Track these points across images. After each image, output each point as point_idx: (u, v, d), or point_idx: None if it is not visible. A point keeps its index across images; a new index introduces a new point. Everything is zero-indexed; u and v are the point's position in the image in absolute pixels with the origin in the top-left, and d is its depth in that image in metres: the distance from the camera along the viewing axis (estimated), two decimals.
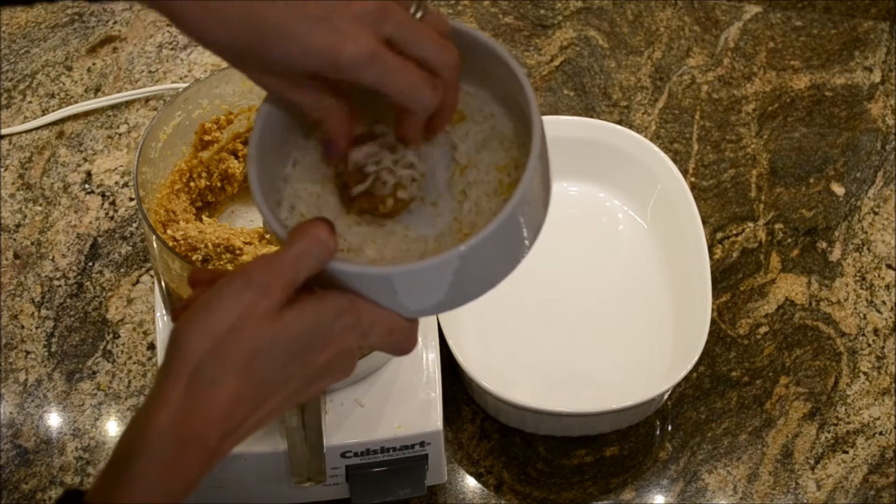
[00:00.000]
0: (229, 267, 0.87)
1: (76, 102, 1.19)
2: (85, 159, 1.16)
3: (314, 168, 0.69)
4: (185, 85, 1.02)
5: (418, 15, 0.65)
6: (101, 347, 1.05)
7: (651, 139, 1.18)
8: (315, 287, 0.64)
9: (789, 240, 1.13)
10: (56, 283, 1.08)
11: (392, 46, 0.63)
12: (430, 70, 0.64)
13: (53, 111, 1.18)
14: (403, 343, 0.68)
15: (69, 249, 1.10)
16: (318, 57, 0.62)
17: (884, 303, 1.10)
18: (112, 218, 1.12)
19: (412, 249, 0.67)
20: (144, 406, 0.62)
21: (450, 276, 0.65)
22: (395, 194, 0.67)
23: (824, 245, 1.13)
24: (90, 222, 1.12)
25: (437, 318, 0.97)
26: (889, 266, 1.12)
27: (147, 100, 1.20)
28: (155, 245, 0.85)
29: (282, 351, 0.62)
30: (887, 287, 1.10)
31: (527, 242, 0.68)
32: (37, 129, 1.18)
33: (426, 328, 0.94)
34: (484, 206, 0.67)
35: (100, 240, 1.11)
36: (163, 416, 0.60)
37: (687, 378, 1.05)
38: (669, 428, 1.03)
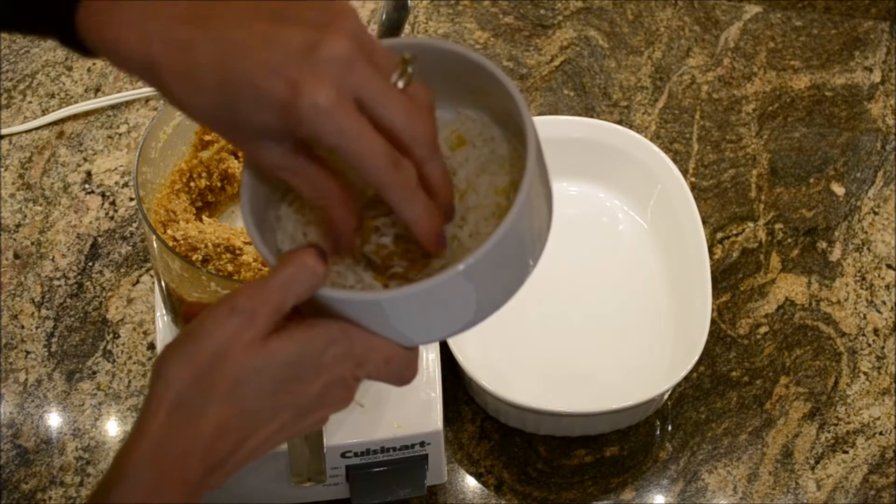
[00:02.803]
0: (229, 267, 0.87)
1: (76, 102, 1.19)
2: (85, 159, 1.16)
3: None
4: None
5: (399, 84, 0.60)
6: (101, 347, 1.05)
7: (651, 139, 1.18)
8: (306, 315, 0.63)
9: (789, 240, 1.13)
10: (56, 283, 1.08)
11: (361, 108, 0.58)
12: (400, 144, 0.59)
13: (53, 111, 1.18)
14: (402, 372, 0.65)
15: (69, 249, 1.10)
16: (275, 110, 0.58)
17: (884, 303, 1.10)
18: (112, 218, 1.12)
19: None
20: (128, 436, 0.60)
21: (443, 302, 0.62)
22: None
23: (824, 245, 1.13)
24: (90, 222, 1.12)
25: None
26: (889, 266, 1.12)
27: (147, 100, 1.20)
28: (155, 245, 0.85)
29: (268, 380, 0.60)
30: (887, 287, 1.10)
31: (530, 262, 0.65)
32: (37, 129, 1.18)
33: None
34: (483, 230, 0.65)
35: (100, 240, 1.11)
36: (141, 447, 0.59)
37: (687, 378, 1.05)
38: (669, 428, 1.03)
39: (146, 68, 0.60)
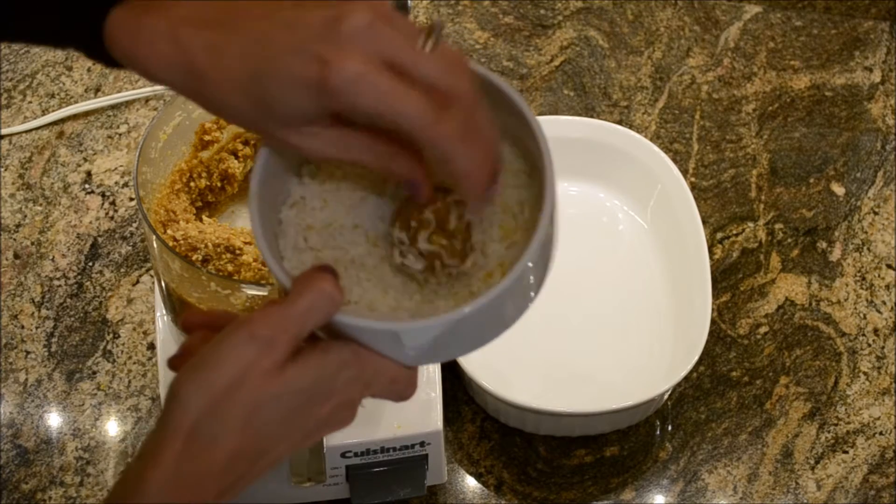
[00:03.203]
0: (229, 267, 0.87)
1: (76, 102, 1.19)
2: (85, 159, 1.16)
3: (315, 206, 0.67)
4: None
5: (427, 47, 0.59)
6: (101, 347, 1.05)
7: (651, 139, 1.18)
8: (318, 334, 0.63)
9: (789, 240, 1.13)
10: (56, 283, 1.08)
11: (393, 71, 0.58)
12: (439, 99, 0.58)
13: (53, 111, 1.18)
14: (403, 391, 0.66)
15: (69, 249, 1.10)
16: (308, 90, 0.58)
17: (884, 303, 1.10)
18: (112, 218, 1.12)
19: (416, 293, 0.66)
20: (140, 458, 0.60)
21: (457, 332, 0.63)
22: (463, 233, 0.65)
23: (824, 245, 1.13)
24: (90, 222, 1.12)
25: None
26: (889, 266, 1.12)
27: (147, 100, 1.20)
28: (155, 245, 0.85)
29: (283, 406, 0.61)
30: (887, 287, 1.10)
31: (532, 293, 0.66)
32: (37, 129, 1.18)
33: None
34: (489, 251, 0.65)
35: (100, 240, 1.11)
36: (159, 473, 0.59)
37: (687, 378, 1.04)
38: (669, 428, 1.03)
39: (187, 75, 0.61)
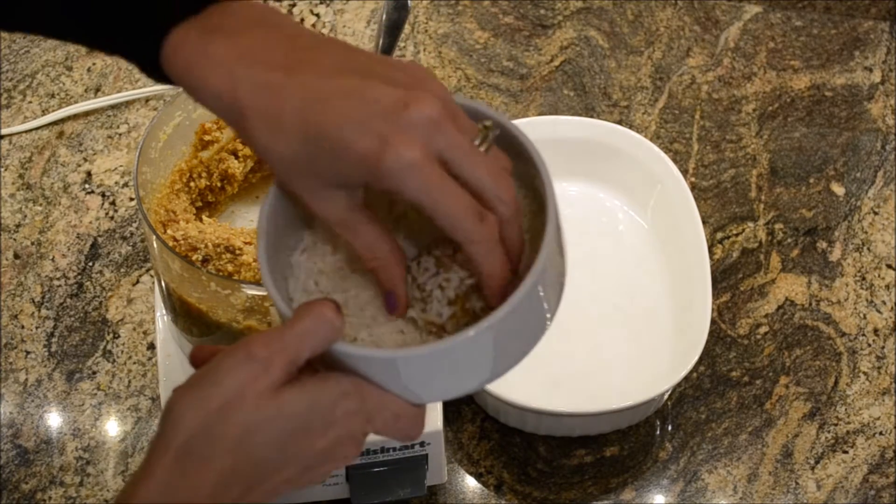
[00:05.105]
0: (229, 267, 0.87)
1: (76, 102, 1.19)
2: (85, 159, 1.16)
3: (326, 251, 0.68)
4: None
5: (482, 147, 0.61)
6: (101, 347, 1.05)
7: (651, 139, 1.18)
8: (319, 367, 0.63)
9: (789, 240, 1.13)
10: (56, 283, 1.08)
11: (445, 167, 0.60)
12: (483, 202, 0.60)
13: (53, 111, 1.18)
14: (409, 430, 0.65)
15: (69, 249, 1.10)
16: (360, 163, 0.59)
17: (884, 303, 1.10)
18: (112, 218, 1.12)
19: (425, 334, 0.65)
20: (133, 477, 0.60)
21: (456, 363, 0.63)
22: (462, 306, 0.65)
23: (824, 245, 1.13)
24: (90, 222, 1.12)
25: None
26: (889, 266, 1.12)
27: (147, 100, 1.20)
28: (155, 245, 0.85)
29: (278, 430, 0.60)
30: (887, 287, 1.10)
31: (546, 322, 0.66)
32: (37, 129, 1.18)
33: None
34: None
35: (100, 240, 1.11)
36: (151, 487, 0.59)
37: (687, 378, 1.05)
38: (669, 428, 1.03)
39: (231, 109, 0.61)
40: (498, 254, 0.61)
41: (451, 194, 0.59)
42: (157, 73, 0.63)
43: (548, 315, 0.66)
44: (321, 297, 0.64)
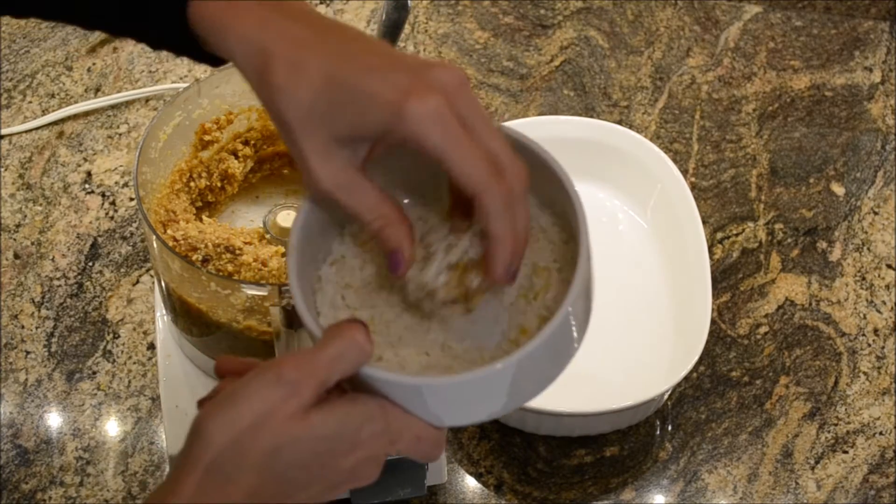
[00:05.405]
0: (229, 267, 0.87)
1: (76, 102, 1.19)
2: (85, 159, 1.16)
3: (355, 266, 0.68)
4: (185, 85, 1.02)
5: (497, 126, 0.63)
6: (101, 347, 1.05)
7: (651, 139, 1.18)
8: (346, 387, 0.63)
9: (789, 240, 1.13)
10: (56, 283, 1.08)
11: (466, 128, 0.61)
12: (499, 165, 0.61)
13: (53, 111, 1.18)
14: (430, 451, 0.66)
15: (69, 249, 1.10)
16: (382, 108, 0.60)
17: (884, 303, 1.10)
18: (112, 218, 1.12)
19: (456, 356, 0.66)
20: (161, 488, 0.61)
21: (480, 393, 0.63)
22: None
23: (824, 245, 1.13)
24: (90, 222, 1.12)
25: None
26: (889, 266, 1.12)
27: (147, 100, 1.20)
28: (155, 245, 0.85)
29: (304, 451, 0.61)
30: (887, 287, 1.10)
31: (576, 346, 0.66)
32: (37, 129, 1.18)
33: None
34: (522, 306, 0.66)
35: (100, 240, 1.11)
36: (178, 502, 0.59)
37: (687, 378, 1.05)
38: (669, 428, 1.03)
39: (257, 52, 0.62)
40: (509, 217, 0.61)
41: (472, 146, 0.60)
42: (174, 34, 0.65)
43: (576, 345, 0.66)
44: (350, 318, 0.64)
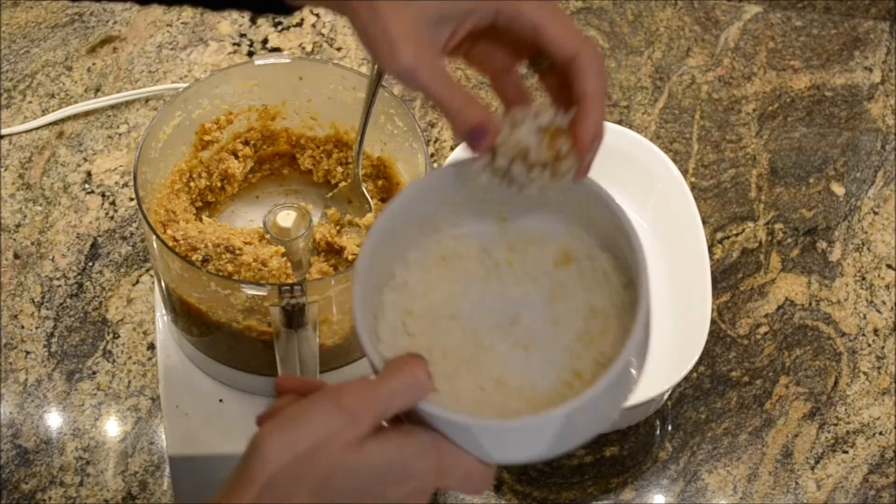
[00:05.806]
0: (229, 267, 0.87)
1: (76, 102, 1.19)
2: (85, 159, 1.16)
3: (417, 292, 0.68)
4: (185, 85, 1.02)
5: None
6: (101, 347, 1.05)
7: (651, 139, 1.18)
8: (401, 417, 0.64)
9: (789, 240, 1.13)
10: (56, 283, 1.08)
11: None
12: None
13: (53, 111, 1.18)
14: (479, 486, 0.66)
15: (69, 249, 1.10)
16: None
17: (884, 303, 1.10)
18: (112, 218, 1.12)
19: (510, 394, 0.66)
20: (215, 500, 0.62)
21: (537, 435, 0.64)
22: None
23: (824, 245, 1.13)
24: (90, 222, 1.12)
25: None
26: (889, 266, 1.12)
27: (147, 100, 1.20)
28: (155, 245, 0.85)
29: (358, 480, 0.62)
30: (887, 287, 1.10)
31: (632, 387, 0.66)
32: (37, 129, 1.18)
33: None
34: (578, 349, 0.66)
35: (100, 240, 1.11)
36: None
37: (687, 378, 1.04)
38: (669, 428, 1.03)
39: None
40: (603, 80, 0.66)
41: (565, 14, 0.63)
42: None
43: (633, 385, 0.67)
44: (412, 354, 0.65)
